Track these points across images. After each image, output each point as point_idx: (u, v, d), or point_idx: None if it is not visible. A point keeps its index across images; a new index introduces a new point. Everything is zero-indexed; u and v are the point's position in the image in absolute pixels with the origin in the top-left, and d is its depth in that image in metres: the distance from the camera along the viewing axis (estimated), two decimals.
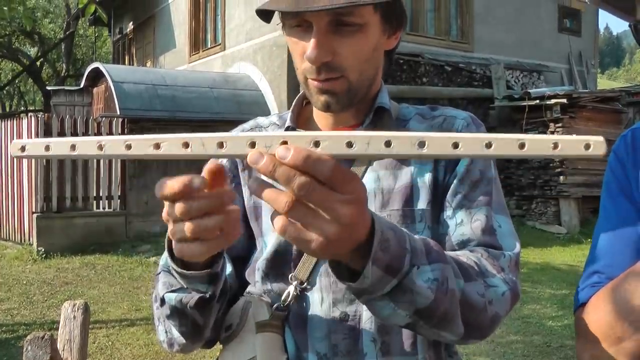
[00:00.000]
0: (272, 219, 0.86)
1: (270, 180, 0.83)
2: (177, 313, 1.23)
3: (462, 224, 1.34)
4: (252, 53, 14.01)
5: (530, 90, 14.91)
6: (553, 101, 13.77)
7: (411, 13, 14.69)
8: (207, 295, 1.18)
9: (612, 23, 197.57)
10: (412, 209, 1.37)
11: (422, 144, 0.79)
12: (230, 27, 15.17)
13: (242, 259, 1.48)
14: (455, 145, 0.78)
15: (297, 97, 1.56)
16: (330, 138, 0.81)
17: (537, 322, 7.12)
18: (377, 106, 1.45)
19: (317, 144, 0.81)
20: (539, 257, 11.27)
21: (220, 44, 15.74)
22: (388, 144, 0.80)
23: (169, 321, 1.28)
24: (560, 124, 13.71)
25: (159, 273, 1.28)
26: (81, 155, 0.84)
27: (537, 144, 0.77)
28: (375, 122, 1.44)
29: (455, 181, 1.37)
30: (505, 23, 16.24)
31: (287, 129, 1.47)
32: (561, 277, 9.57)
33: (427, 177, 1.39)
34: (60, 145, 0.84)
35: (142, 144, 0.83)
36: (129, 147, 0.83)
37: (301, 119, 1.53)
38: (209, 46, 16.53)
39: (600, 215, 1.44)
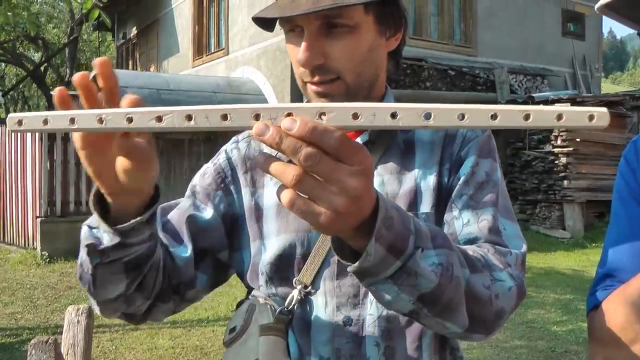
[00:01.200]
0: (278, 193, 0.85)
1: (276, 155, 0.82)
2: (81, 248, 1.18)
3: (469, 223, 1.33)
4: (256, 57, 14.03)
5: (534, 95, 14.93)
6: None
7: (414, 17, 14.71)
8: (102, 246, 1.14)
9: (616, 27, 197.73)
10: (416, 212, 1.36)
11: (428, 115, 0.78)
12: (233, 32, 15.19)
13: (211, 253, 1.45)
14: (462, 117, 0.78)
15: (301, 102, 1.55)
16: (336, 109, 0.80)
17: (541, 327, 7.10)
18: None
19: (322, 115, 0.80)
20: (543, 261, 11.26)
21: (223, 49, 15.76)
22: (394, 115, 0.79)
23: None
24: (564, 128, 13.67)
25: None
26: (81, 128, 0.83)
27: (541, 114, 0.76)
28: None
29: (460, 182, 1.37)
30: (508, 27, 16.24)
31: None
32: (565, 281, 9.55)
33: (431, 180, 1.38)
34: (59, 119, 0.83)
35: (144, 117, 0.81)
36: (130, 120, 0.81)
37: None
38: (213, 51, 16.55)
39: (611, 220, 1.44)
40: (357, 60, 1.35)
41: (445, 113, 0.78)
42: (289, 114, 0.80)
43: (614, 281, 1.34)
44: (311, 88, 1.36)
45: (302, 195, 0.84)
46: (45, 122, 0.83)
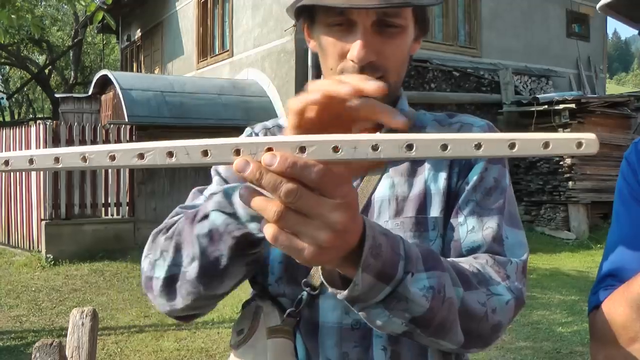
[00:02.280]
0: (261, 227, 0.85)
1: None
2: (212, 237, 1.14)
3: (474, 230, 1.32)
4: (260, 59, 14.04)
5: (538, 96, 14.90)
6: (561, 106, 13.76)
7: None
8: (256, 236, 1.10)
9: (620, 28, 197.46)
10: (425, 216, 1.36)
11: (410, 147, 0.77)
12: (238, 34, 15.20)
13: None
14: (444, 147, 0.77)
15: None
16: (316, 143, 0.79)
17: (546, 328, 7.10)
18: None
19: (302, 149, 0.79)
20: (548, 263, 11.23)
21: (228, 51, 15.77)
22: (375, 147, 0.78)
23: (196, 244, 1.16)
24: (568, 129, 13.67)
25: (214, 193, 1.20)
26: (65, 167, 0.83)
27: (528, 143, 0.75)
28: (393, 129, 1.42)
29: (468, 188, 1.36)
30: (513, 28, 16.23)
31: None
32: (570, 283, 9.54)
33: (441, 184, 1.38)
34: (44, 158, 0.82)
35: (126, 155, 0.81)
36: (112, 158, 0.81)
37: None
38: (217, 53, 16.57)
39: (612, 220, 1.45)
40: (402, 61, 1.37)
41: (427, 143, 0.77)
42: (269, 149, 0.79)
43: (616, 281, 1.35)
44: None
45: (286, 230, 0.83)
46: (31, 161, 0.82)
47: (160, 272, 1.22)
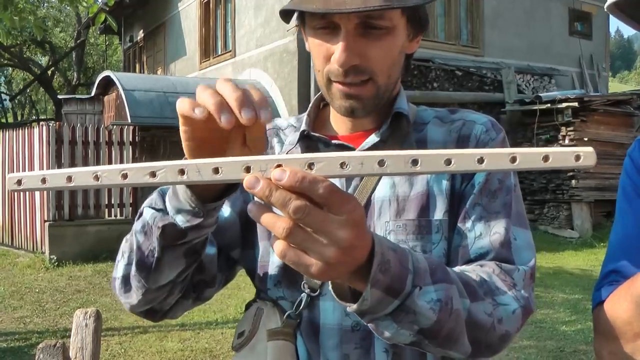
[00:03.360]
0: (271, 243, 0.87)
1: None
2: (145, 232, 1.19)
3: (481, 236, 1.32)
4: (263, 59, 14.05)
5: (541, 94, 14.89)
6: (564, 105, 13.75)
7: None
8: (181, 226, 1.13)
9: (623, 26, 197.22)
10: (428, 219, 1.35)
11: (415, 162, 0.80)
12: (240, 34, 15.22)
13: (225, 251, 1.44)
14: (448, 162, 0.79)
15: (313, 100, 1.54)
16: (324, 159, 0.82)
17: (550, 327, 7.09)
18: (395, 111, 1.43)
19: (311, 165, 0.82)
20: (552, 261, 11.23)
21: (230, 51, 15.79)
22: (381, 163, 0.80)
23: (134, 240, 1.22)
24: (571, 128, 13.68)
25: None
26: (78, 186, 0.85)
27: (528, 157, 0.78)
28: (393, 127, 1.42)
29: (475, 191, 1.35)
30: (515, 27, 16.22)
31: (302, 132, 1.46)
32: (574, 281, 9.53)
33: (444, 184, 1.37)
34: (56, 177, 0.85)
35: (139, 173, 0.83)
36: (124, 176, 0.84)
37: (318, 122, 1.51)
38: (220, 53, 16.58)
39: (616, 217, 1.45)
40: (390, 62, 1.35)
41: (432, 159, 0.80)
42: (279, 165, 0.82)
43: (620, 277, 1.35)
44: (339, 88, 1.34)
45: (294, 246, 0.85)
46: (44, 180, 0.85)
47: (119, 272, 1.31)
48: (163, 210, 1.16)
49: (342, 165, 0.81)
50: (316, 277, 0.88)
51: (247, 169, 0.82)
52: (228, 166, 0.83)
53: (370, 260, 0.95)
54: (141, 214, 1.22)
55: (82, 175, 0.84)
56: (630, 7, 1.32)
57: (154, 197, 1.22)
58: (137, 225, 1.22)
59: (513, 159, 0.78)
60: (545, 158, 0.77)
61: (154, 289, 1.25)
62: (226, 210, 1.43)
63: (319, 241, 0.84)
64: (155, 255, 1.18)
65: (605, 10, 1.37)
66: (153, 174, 0.83)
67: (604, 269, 1.41)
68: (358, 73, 1.31)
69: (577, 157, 0.77)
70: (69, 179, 0.84)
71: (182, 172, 0.83)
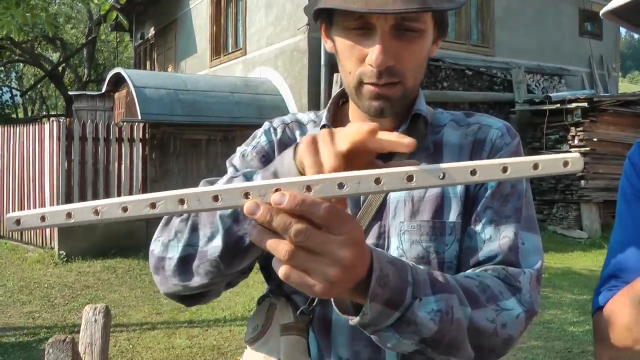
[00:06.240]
0: (274, 266, 0.88)
1: None
2: (235, 218, 1.16)
3: (491, 240, 1.33)
4: (273, 58, 14.04)
5: (551, 94, 14.83)
6: (574, 105, 13.68)
7: None
8: None
9: None
10: (442, 221, 1.36)
11: (410, 178, 0.83)
12: (251, 32, 15.21)
13: None
14: (442, 176, 0.82)
15: (333, 96, 1.55)
16: (322, 181, 0.84)
17: (558, 328, 7.07)
18: (414, 112, 1.44)
19: (309, 188, 0.84)
20: (560, 262, 11.20)
21: (241, 49, 15.78)
22: (378, 181, 0.83)
23: (219, 224, 1.17)
24: (581, 128, 13.62)
25: (235, 177, 1.22)
26: (77, 222, 0.84)
27: (519, 166, 0.81)
28: (411, 128, 1.44)
29: (487, 195, 1.36)
30: (525, 27, 16.16)
31: (323, 127, 1.46)
32: (582, 282, 9.50)
33: (459, 187, 1.38)
34: (56, 215, 0.84)
35: (138, 205, 0.84)
36: (125, 209, 0.84)
37: (336, 119, 1.52)
38: (230, 51, 16.58)
39: (616, 221, 1.46)
40: (419, 64, 1.37)
41: (426, 174, 0.83)
42: (277, 190, 0.83)
43: (619, 282, 1.35)
44: (371, 89, 1.34)
45: (297, 268, 0.87)
46: (43, 219, 0.84)
47: (174, 253, 1.24)
48: None
49: (340, 185, 0.83)
50: (319, 295, 0.90)
51: (247, 195, 0.84)
52: (227, 193, 0.84)
53: (369, 275, 0.97)
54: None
55: (82, 211, 0.84)
56: (628, 12, 1.32)
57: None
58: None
59: (504, 169, 0.81)
60: (535, 166, 0.80)
61: (228, 274, 1.24)
62: None
63: (321, 262, 0.86)
64: (247, 241, 1.16)
65: (601, 17, 1.38)
66: (153, 205, 0.84)
67: (603, 274, 1.42)
68: (391, 75, 1.32)
69: (565, 163, 0.80)
70: (69, 215, 0.84)
71: (182, 201, 0.84)
